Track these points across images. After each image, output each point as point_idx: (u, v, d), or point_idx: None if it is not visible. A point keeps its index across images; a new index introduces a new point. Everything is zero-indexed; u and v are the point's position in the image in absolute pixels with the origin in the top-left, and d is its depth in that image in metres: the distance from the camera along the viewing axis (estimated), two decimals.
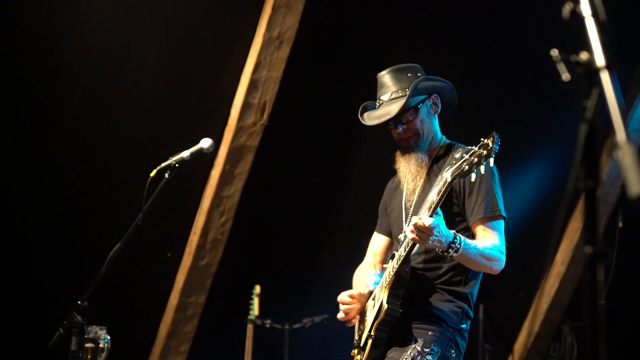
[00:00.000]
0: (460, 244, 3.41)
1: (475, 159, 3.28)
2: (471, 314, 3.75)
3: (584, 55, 1.70)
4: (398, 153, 3.90)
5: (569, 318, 7.93)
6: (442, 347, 3.60)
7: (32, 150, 5.76)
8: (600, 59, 1.68)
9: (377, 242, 4.15)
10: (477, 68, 6.77)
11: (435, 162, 3.84)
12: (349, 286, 4.11)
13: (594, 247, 1.66)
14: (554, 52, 1.70)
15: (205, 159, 6.15)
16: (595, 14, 1.71)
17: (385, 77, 3.91)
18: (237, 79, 6.09)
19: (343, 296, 3.86)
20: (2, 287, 5.88)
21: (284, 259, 7.02)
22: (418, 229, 3.34)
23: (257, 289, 6.59)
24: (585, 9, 1.72)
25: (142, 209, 4.10)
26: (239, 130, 6.10)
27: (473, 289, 3.76)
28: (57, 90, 5.67)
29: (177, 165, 4.17)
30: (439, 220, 3.39)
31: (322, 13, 6.13)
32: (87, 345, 4.09)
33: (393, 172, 4.04)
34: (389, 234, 4.08)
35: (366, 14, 6.36)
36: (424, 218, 3.35)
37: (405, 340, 3.62)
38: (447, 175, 3.37)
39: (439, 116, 3.93)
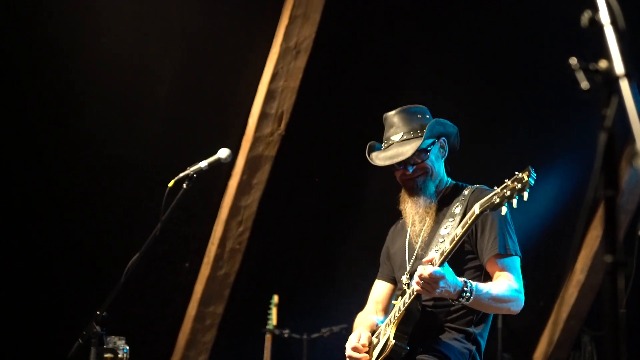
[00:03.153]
0: (471, 291, 3.33)
1: (508, 192, 3.22)
2: (478, 358, 3.61)
3: (603, 64, 1.69)
4: (404, 194, 3.83)
5: (588, 327, 7.88)
6: None
7: (50, 161, 5.79)
8: (619, 67, 1.68)
9: (379, 289, 4.03)
10: (495, 77, 6.75)
11: (442, 202, 3.76)
12: (366, 295, 4.09)
13: (614, 256, 1.65)
14: (573, 61, 1.69)
15: (223, 169, 6.16)
16: (614, 22, 1.71)
17: (395, 117, 3.83)
18: (254, 89, 6.10)
19: (353, 340, 3.69)
20: (22, 298, 5.91)
21: (302, 269, 7.02)
22: (423, 280, 3.27)
23: (275, 298, 6.59)
24: (604, 16, 1.72)
25: (160, 220, 4.11)
26: (256, 140, 6.11)
27: (483, 331, 3.64)
28: (75, 101, 5.71)
29: (195, 175, 4.17)
30: (446, 270, 3.30)
31: (338, 22, 6.13)
32: (106, 355, 4.09)
33: None
34: (391, 280, 3.97)
35: (382, 24, 6.36)
36: (428, 268, 3.27)
37: None
38: (475, 208, 3.30)
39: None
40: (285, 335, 6.55)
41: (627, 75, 1.67)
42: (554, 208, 7.54)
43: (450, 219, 3.60)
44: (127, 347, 4.18)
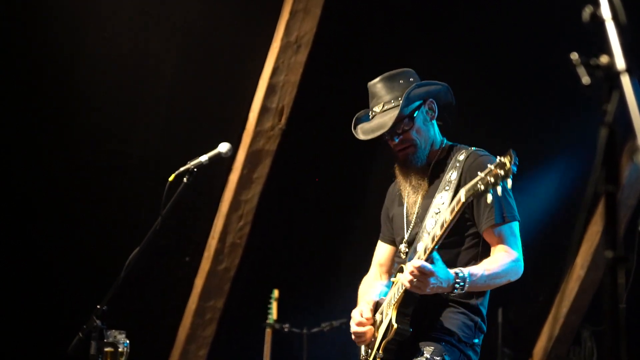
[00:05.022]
0: (464, 281, 3.28)
1: (492, 179, 3.12)
2: (484, 327, 3.56)
3: (604, 59, 1.69)
4: (397, 165, 3.74)
5: (588, 322, 7.89)
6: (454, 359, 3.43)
7: (50, 156, 5.79)
8: (620, 63, 1.67)
9: (382, 251, 3.98)
10: (496, 74, 6.75)
11: (437, 166, 3.65)
12: None
13: (614, 252, 1.65)
14: (574, 56, 1.69)
15: (224, 164, 6.15)
16: (615, 17, 1.71)
17: (377, 86, 3.71)
18: (255, 84, 6.10)
19: (357, 316, 3.66)
20: (22, 292, 5.92)
21: (302, 263, 7.02)
22: (414, 276, 3.23)
23: (276, 293, 6.59)
24: (605, 12, 1.71)
25: (161, 214, 4.10)
26: (257, 134, 6.11)
27: (484, 300, 3.58)
28: (75, 97, 5.71)
29: (195, 169, 4.16)
30: (436, 266, 3.24)
31: (339, 17, 6.13)
32: (106, 349, 4.09)
33: None
34: (392, 242, 3.90)
35: (384, 18, 6.36)
36: (415, 262, 3.23)
37: (415, 353, 3.43)
38: (461, 194, 3.22)
39: (437, 118, 3.74)
40: (286, 330, 6.55)
41: (628, 70, 1.66)
42: (555, 203, 7.54)
43: (446, 187, 3.50)
44: (128, 341, 4.18)
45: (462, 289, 3.29)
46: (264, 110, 6.05)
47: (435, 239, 3.29)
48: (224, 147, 4.26)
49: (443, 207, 3.43)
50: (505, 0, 6.45)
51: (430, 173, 3.63)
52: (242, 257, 6.49)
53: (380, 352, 3.49)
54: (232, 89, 6.17)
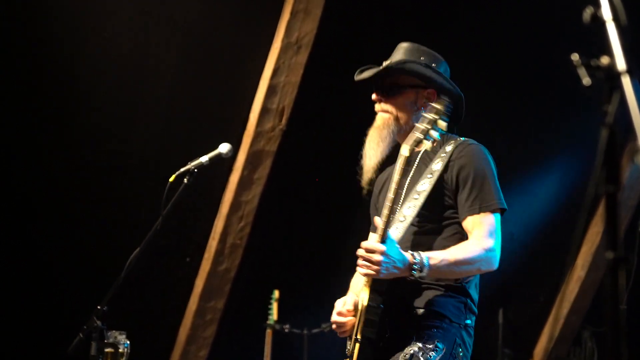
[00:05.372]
0: (422, 264, 3.15)
1: (428, 126, 3.13)
2: (474, 308, 3.43)
3: (604, 60, 1.69)
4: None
5: (589, 323, 7.89)
6: (448, 345, 3.28)
7: (50, 156, 5.79)
8: (621, 63, 1.67)
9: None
10: (495, 73, 6.75)
11: (425, 155, 3.51)
12: None
13: (615, 252, 1.65)
14: (575, 57, 1.69)
15: (224, 164, 6.15)
16: (616, 18, 1.70)
17: (402, 46, 3.63)
18: (255, 84, 6.09)
19: (338, 306, 3.58)
20: (23, 292, 5.91)
21: (303, 264, 7.02)
22: (362, 256, 3.19)
23: (276, 293, 6.59)
24: (606, 12, 1.71)
25: (161, 214, 4.10)
26: (257, 135, 6.11)
27: (470, 283, 3.42)
28: (75, 97, 5.71)
29: (195, 170, 4.17)
30: (388, 245, 3.16)
31: (340, 18, 6.13)
32: (106, 350, 4.09)
33: None
34: None
35: (384, 18, 6.35)
36: (364, 243, 3.20)
37: (406, 342, 3.29)
38: (403, 149, 3.20)
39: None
40: (286, 331, 6.55)
41: (629, 71, 1.66)
42: (555, 204, 7.54)
43: (429, 175, 3.40)
44: (128, 342, 4.18)
45: (420, 272, 3.16)
46: (264, 111, 6.05)
47: (384, 218, 3.21)
48: (224, 147, 4.26)
49: (421, 194, 3.38)
50: (506, 0, 6.45)
51: (418, 162, 3.52)
52: (242, 258, 6.48)
53: (357, 336, 3.37)
54: (233, 90, 6.17)
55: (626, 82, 1.65)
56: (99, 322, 3.97)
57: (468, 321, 3.39)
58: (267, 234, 6.68)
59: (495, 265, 3.35)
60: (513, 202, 7.58)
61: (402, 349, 3.29)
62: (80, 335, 4.02)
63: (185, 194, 4.16)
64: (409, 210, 3.41)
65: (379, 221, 3.26)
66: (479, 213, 3.33)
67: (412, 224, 3.44)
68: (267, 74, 5.99)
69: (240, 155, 6.19)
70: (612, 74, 1.68)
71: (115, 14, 5.61)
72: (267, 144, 6.16)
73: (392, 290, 3.33)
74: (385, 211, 3.24)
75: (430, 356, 3.23)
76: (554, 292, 7.69)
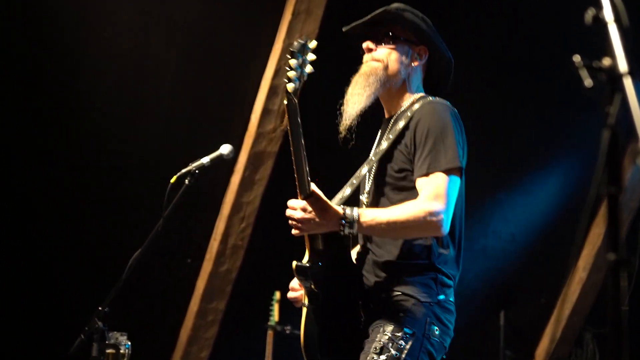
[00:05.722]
0: (352, 219, 3.01)
1: (286, 67, 3.07)
2: (449, 281, 3.19)
3: (606, 61, 1.69)
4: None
5: (591, 324, 7.88)
6: (418, 327, 3.07)
7: (50, 157, 5.79)
8: (623, 65, 1.67)
9: None
10: (496, 75, 6.75)
11: (400, 114, 3.34)
12: None
13: (616, 254, 1.65)
14: (576, 58, 1.69)
15: (225, 165, 6.15)
16: (617, 20, 1.70)
17: (394, 5, 3.42)
18: (257, 85, 6.09)
19: (292, 283, 3.52)
20: (23, 293, 5.91)
21: None
22: (289, 217, 3.13)
23: (277, 295, 6.59)
24: (607, 14, 1.71)
25: (163, 215, 4.11)
26: (258, 136, 6.11)
27: (439, 257, 3.18)
28: (76, 96, 5.71)
29: (197, 171, 4.17)
30: (312, 200, 3.08)
31: (342, 18, 6.11)
32: (108, 351, 4.10)
33: None
34: None
35: None
36: (289, 202, 3.13)
37: (375, 330, 3.12)
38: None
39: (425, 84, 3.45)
40: (287, 332, 6.55)
41: (631, 73, 1.66)
42: (557, 205, 7.54)
43: (393, 133, 3.26)
44: (129, 343, 4.18)
45: (350, 228, 3.02)
46: (265, 112, 6.05)
47: (303, 163, 3.20)
48: (225, 148, 4.27)
49: (377, 155, 3.26)
50: (507, 2, 6.45)
51: (393, 121, 3.37)
52: (243, 259, 6.48)
53: (305, 301, 3.31)
54: (234, 91, 6.17)
55: (628, 83, 1.65)
56: (100, 323, 3.97)
57: (441, 296, 3.15)
58: (269, 235, 6.67)
59: (442, 229, 3.05)
60: (514, 204, 7.62)
61: (372, 335, 3.13)
62: (82, 336, 4.02)
63: (187, 195, 4.16)
64: (364, 170, 3.34)
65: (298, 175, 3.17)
66: (427, 174, 3.09)
67: (375, 188, 3.34)
68: (269, 75, 5.99)
69: (241, 156, 6.19)
70: (613, 76, 1.68)
71: (116, 14, 5.61)
72: (269, 144, 6.16)
73: (342, 272, 3.25)
74: (301, 164, 3.19)
75: (400, 345, 3.04)
76: (555, 293, 7.68)
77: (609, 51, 1.69)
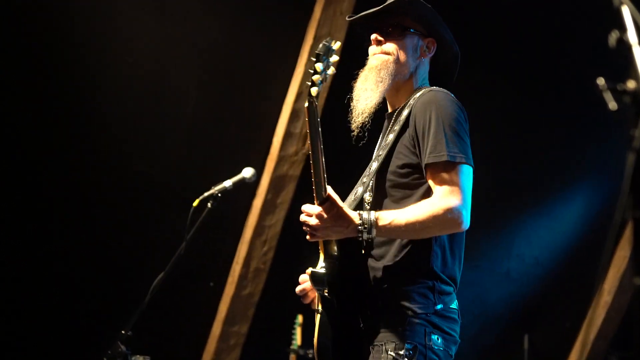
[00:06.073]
0: (369, 224, 2.91)
1: (311, 70, 2.92)
2: (446, 287, 3.05)
3: (631, 84, 1.67)
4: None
5: (616, 348, 7.80)
6: (418, 340, 2.96)
7: (75, 179, 5.82)
8: None
9: None
10: (521, 97, 6.73)
11: (404, 106, 3.24)
12: None
13: None
14: (600, 81, 1.68)
15: (248, 188, 6.15)
16: None
17: None
18: (279, 109, 6.11)
19: (302, 276, 3.42)
20: (46, 317, 5.92)
21: None
22: (303, 223, 3.01)
23: (300, 318, 6.56)
24: (632, 37, 1.70)
25: (185, 239, 4.12)
26: (280, 159, 6.12)
27: (438, 262, 3.05)
28: (102, 118, 5.75)
29: (219, 194, 4.19)
30: (328, 207, 2.94)
31: (363, 42, 6.13)
32: None
33: None
34: None
35: None
36: (304, 207, 2.99)
37: (377, 349, 3.02)
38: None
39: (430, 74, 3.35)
40: (310, 356, 6.51)
41: None
42: (581, 228, 7.49)
43: (398, 124, 3.16)
44: None
45: (369, 233, 2.91)
46: (287, 135, 6.06)
47: (320, 169, 3.02)
48: (248, 172, 4.28)
49: (384, 149, 3.15)
50: (532, 25, 6.44)
51: (397, 114, 3.27)
52: (266, 282, 6.48)
53: (318, 306, 3.24)
54: (256, 114, 6.19)
55: None
56: (123, 347, 3.98)
57: (439, 306, 3.02)
58: (291, 258, 6.66)
59: (462, 225, 2.95)
60: (538, 227, 7.56)
61: (374, 354, 3.03)
62: (105, 359, 4.02)
63: (209, 218, 4.17)
64: (374, 165, 3.20)
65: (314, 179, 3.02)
66: (439, 166, 2.96)
67: (374, 188, 3.23)
68: (291, 98, 6.00)
69: (263, 180, 6.19)
70: (638, 98, 1.66)
71: (139, 38, 5.65)
72: (291, 168, 6.16)
73: (353, 278, 3.13)
74: (319, 168, 3.02)
75: None
76: (580, 317, 7.61)
77: (633, 74, 1.68)
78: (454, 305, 3.09)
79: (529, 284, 7.59)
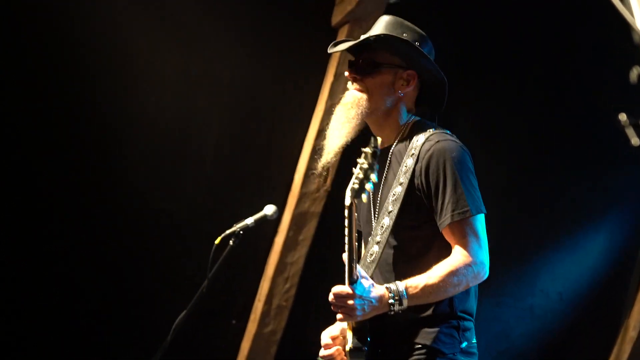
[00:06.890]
0: (400, 295, 2.89)
1: (362, 174, 2.82)
2: (469, 324, 3.09)
3: None
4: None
5: None
6: None
7: (98, 216, 5.85)
8: None
9: None
10: (544, 129, 6.72)
11: (398, 146, 3.21)
12: None
13: None
14: (622, 117, 1.68)
15: (269, 226, 6.16)
16: None
17: (384, 19, 3.20)
18: (300, 146, 6.13)
19: (324, 338, 3.36)
20: (70, 357, 5.92)
21: None
22: (334, 305, 2.98)
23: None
24: None
25: (207, 277, 4.12)
26: (302, 196, 6.12)
27: (459, 303, 3.07)
28: (124, 155, 5.81)
29: (241, 232, 4.19)
30: (359, 287, 2.92)
31: None
32: None
33: None
34: None
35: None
36: (335, 288, 2.97)
37: None
38: (346, 198, 2.88)
39: (418, 104, 3.28)
40: None
41: None
42: (605, 263, 7.42)
43: (401, 179, 3.10)
44: None
45: (400, 305, 2.90)
46: (309, 172, 6.07)
47: (349, 258, 2.98)
48: (269, 209, 4.29)
49: (395, 204, 3.09)
50: (557, 55, 6.47)
51: (392, 155, 3.22)
52: (288, 320, 6.45)
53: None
54: (278, 151, 6.21)
55: None
56: None
57: (464, 344, 3.06)
58: (313, 295, 6.64)
59: (484, 276, 3.01)
60: (562, 261, 7.50)
61: None
62: None
63: (231, 256, 4.17)
64: (386, 221, 3.14)
65: (345, 259, 3.00)
66: (456, 221, 2.97)
67: (390, 245, 3.17)
68: (312, 135, 6.02)
69: (285, 217, 6.20)
70: None
71: (164, 75, 5.72)
72: (312, 205, 6.16)
73: (376, 328, 3.08)
74: (348, 250, 2.99)
75: None
76: (606, 353, 7.51)
77: None
78: (474, 339, 3.11)
79: (553, 319, 7.51)
